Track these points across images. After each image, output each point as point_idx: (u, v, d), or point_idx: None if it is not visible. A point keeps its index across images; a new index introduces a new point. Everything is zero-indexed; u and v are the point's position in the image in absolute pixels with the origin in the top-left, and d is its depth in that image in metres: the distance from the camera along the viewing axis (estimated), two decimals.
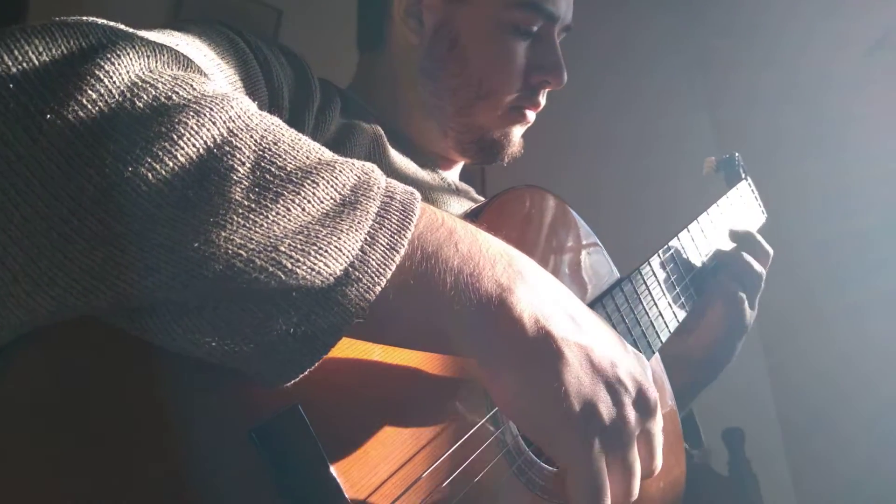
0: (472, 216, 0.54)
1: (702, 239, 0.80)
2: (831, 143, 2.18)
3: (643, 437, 0.46)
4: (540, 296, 0.42)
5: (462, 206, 0.76)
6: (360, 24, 0.81)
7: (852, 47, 2.18)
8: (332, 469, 0.37)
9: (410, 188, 0.38)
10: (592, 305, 0.62)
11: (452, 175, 0.82)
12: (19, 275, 0.27)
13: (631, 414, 0.44)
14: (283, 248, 0.31)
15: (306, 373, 0.35)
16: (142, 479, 0.31)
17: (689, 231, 0.78)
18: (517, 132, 0.78)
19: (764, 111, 2.39)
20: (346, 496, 0.37)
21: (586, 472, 0.41)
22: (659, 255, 0.73)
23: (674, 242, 0.77)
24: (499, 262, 0.41)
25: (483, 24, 0.71)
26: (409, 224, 0.36)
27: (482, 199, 0.81)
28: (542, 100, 0.77)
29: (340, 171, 0.34)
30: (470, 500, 0.45)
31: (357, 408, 0.41)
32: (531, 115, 0.77)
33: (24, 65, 0.29)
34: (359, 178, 0.35)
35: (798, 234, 2.06)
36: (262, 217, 0.31)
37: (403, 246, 0.35)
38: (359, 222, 0.34)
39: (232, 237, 0.30)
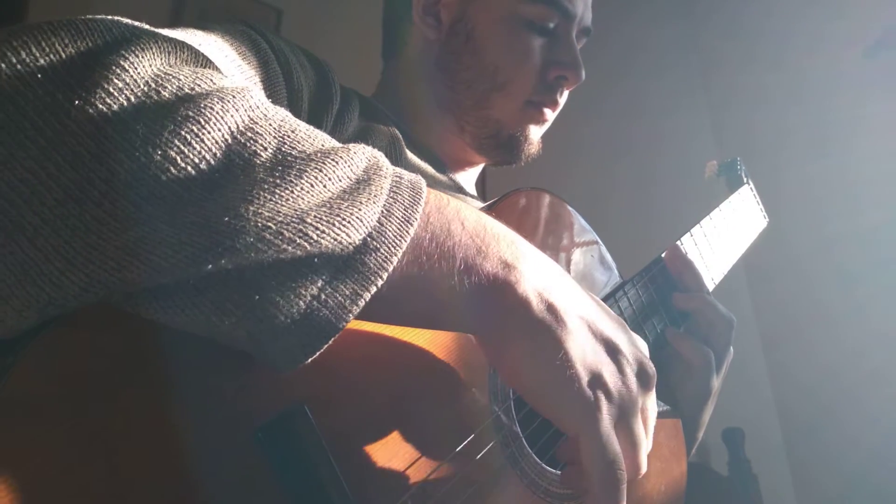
0: None
1: (704, 244, 0.80)
2: (834, 142, 2.18)
3: (642, 412, 0.46)
4: (542, 271, 0.43)
5: None
6: (384, 32, 0.83)
7: (852, 48, 2.18)
8: (337, 469, 0.38)
9: (416, 173, 0.39)
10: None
11: (468, 182, 0.83)
12: (51, 254, 0.27)
13: (633, 383, 0.45)
14: (308, 220, 0.32)
15: (323, 350, 0.34)
16: (146, 476, 0.31)
17: (692, 235, 0.78)
18: (535, 131, 0.78)
19: (767, 113, 2.39)
20: (351, 496, 0.38)
21: (599, 439, 0.42)
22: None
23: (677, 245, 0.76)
24: (502, 239, 0.42)
25: (498, 18, 0.73)
26: (420, 200, 0.37)
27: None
28: (561, 99, 0.77)
29: (354, 154, 0.36)
30: (474, 501, 0.45)
31: (362, 407, 0.41)
32: (549, 115, 0.77)
33: (52, 56, 0.29)
34: (369, 160, 0.37)
35: (800, 232, 2.07)
36: (287, 192, 0.31)
37: (416, 219, 0.36)
38: (375, 196, 0.35)
39: (261, 211, 0.30)
